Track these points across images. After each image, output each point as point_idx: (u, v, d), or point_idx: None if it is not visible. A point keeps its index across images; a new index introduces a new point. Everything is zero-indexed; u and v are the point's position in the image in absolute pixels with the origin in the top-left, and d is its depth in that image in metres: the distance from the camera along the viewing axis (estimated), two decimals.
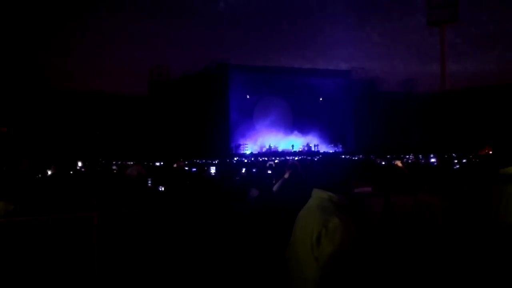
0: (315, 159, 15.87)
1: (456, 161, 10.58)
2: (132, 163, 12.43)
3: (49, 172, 8.95)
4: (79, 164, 12.27)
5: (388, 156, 18.71)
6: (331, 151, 28.09)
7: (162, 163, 12.44)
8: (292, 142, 28.55)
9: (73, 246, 3.26)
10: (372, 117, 27.36)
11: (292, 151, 27.48)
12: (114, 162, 15.68)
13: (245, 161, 19.94)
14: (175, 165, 9.15)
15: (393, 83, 31.27)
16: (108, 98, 26.57)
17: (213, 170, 6.77)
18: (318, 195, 2.09)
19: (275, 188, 5.29)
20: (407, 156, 19.68)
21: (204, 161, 16.74)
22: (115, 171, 10.33)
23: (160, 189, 5.44)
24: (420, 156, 18.59)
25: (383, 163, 12.24)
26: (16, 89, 24.38)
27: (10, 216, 3.27)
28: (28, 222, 3.22)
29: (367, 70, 30.44)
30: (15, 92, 24.09)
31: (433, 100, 29.61)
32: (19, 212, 3.59)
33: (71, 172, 10.22)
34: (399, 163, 8.82)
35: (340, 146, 28.79)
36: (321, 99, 30.18)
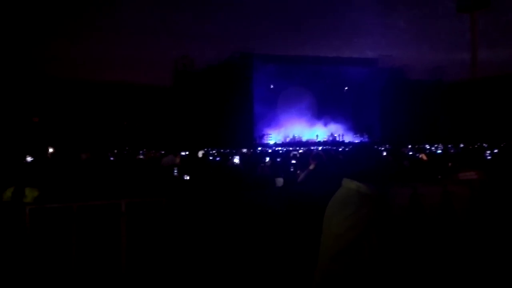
0: (340, 150, 15.68)
1: (488, 152, 10.23)
2: (163, 152, 12.64)
3: (82, 159, 9.22)
4: (107, 153, 12.58)
5: (416, 146, 18.31)
6: (356, 141, 27.72)
7: (187, 153, 12.59)
8: (317, 132, 28.30)
9: (101, 233, 3.35)
10: (399, 106, 26.76)
11: (317, 141, 27.26)
12: (140, 152, 15.98)
13: (269, 151, 19.92)
14: (200, 154, 9.24)
15: (421, 71, 30.40)
16: (135, 89, 27.02)
17: (236, 159, 6.80)
18: (346, 186, 2.06)
19: (300, 179, 5.25)
20: (435, 146, 19.20)
21: (228, 150, 16.82)
22: (141, 160, 10.52)
23: (186, 178, 5.51)
24: (449, 146, 18.10)
25: (410, 153, 11.99)
26: (46, 81, 25.09)
27: (38, 203, 3.38)
28: (58, 209, 3.32)
29: (394, 58, 29.68)
30: (45, 83, 24.82)
31: (462, 88, 28.66)
32: (51, 199, 3.71)
33: (100, 161, 10.47)
34: (424, 156, 8.66)
35: (366, 136, 28.34)
36: (346, 88, 29.73)
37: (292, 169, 6.31)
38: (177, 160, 8.31)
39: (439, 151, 13.94)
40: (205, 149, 16.26)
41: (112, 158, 11.58)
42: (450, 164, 5.92)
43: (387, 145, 19.21)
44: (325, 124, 28.92)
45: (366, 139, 27.99)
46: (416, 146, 18.31)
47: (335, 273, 1.81)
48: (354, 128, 28.93)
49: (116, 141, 23.23)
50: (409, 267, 2.60)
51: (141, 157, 11.84)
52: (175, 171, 6.24)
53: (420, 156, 8.50)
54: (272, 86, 27.89)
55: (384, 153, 9.57)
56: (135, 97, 26.68)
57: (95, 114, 25.85)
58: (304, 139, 27.74)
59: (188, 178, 5.47)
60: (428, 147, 18.46)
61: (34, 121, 24.24)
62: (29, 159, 8.79)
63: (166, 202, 3.63)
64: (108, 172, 6.45)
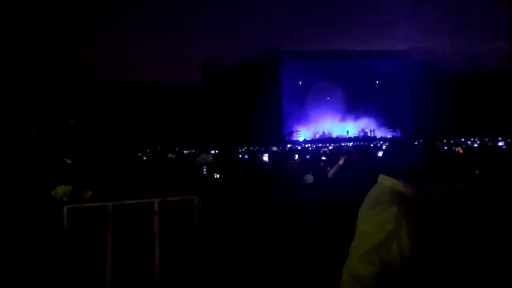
0: (372, 145, 15.41)
1: None
2: (197, 151, 12.83)
3: (112, 160, 9.50)
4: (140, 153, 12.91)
5: (451, 141, 17.72)
6: (388, 136, 27.12)
7: (216, 151, 12.74)
8: (347, 128, 27.91)
9: (135, 231, 3.45)
10: (433, 100, 25.95)
11: (347, 137, 26.88)
12: (172, 151, 16.30)
13: (298, 148, 19.83)
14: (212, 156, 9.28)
15: (456, 63, 29.34)
16: (166, 90, 27.56)
17: (265, 157, 6.75)
18: (381, 183, 2.00)
19: (330, 174, 5.21)
20: (472, 140, 18.51)
21: (257, 148, 16.88)
22: (173, 160, 10.73)
23: (215, 177, 5.57)
24: (487, 139, 17.39)
25: (445, 148, 11.62)
26: (81, 84, 26.00)
27: (76, 202, 3.52)
28: (95, 208, 3.45)
29: (427, 50, 28.78)
30: (80, 86, 25.72)
31: (500, 78, 27.44)
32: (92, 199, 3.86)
33: (134, 161, 10.77)
34: (460, 149, 8.37)
35: (398, 131, 27.67)
36: (377, 82, 29.12)
37: (321, 165, 6.25)
38: (210, 158, 8.38)
39: (475, 145, 13.44)
40: (234, 147, 16.38)
41: (145, 158, 11.87)
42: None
43: (421, 140, 18.69)
44: (356, 120, 28.46)
45: (399, 134, 27.34)
46: (452, 141, 17.72)
47: (362, 273, 1.76)
48: (386, 123, 28.31)
49: (149, 141, 23.79)
50: (445, 266, 2.53)
51: (171, 156, 12.09)
52: (205, 169, 6.31)
53: (457, 149, 8.23)
54: (300, 82, 27.72)
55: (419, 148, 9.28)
56: (166, 98, 27.22)
57: (128, 115, 26.56)
58: (334, 135, 27.43)
59: (218, 176, 5.52)
60: (464, 141, 17.82)
61: (70, 123, 25.18)
62: (68, 160, 9.14)
63: (197, 200, 3.69)
64: (141, 172, 6.61)
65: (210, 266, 3.60)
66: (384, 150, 2.34)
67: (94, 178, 5.20)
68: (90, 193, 4.02)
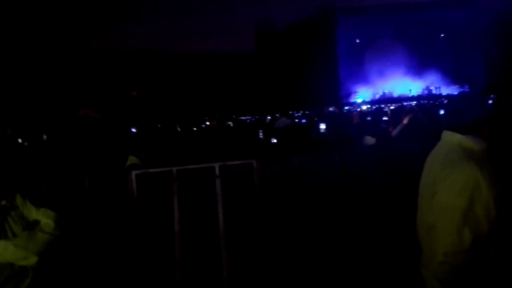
0: (437, 104, 14.53)
1: None
2: (278, 115, 12.88)
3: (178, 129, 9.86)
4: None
5: None
6: (455, 93, 25.38)
7: (270, 117, 12.73)
8: (410, 86, 26.39)
9: (198, 194, 3.57)
10: (506, 52, 23.67)
11: (410, 96, 25.51)
12: (232, 117, 16.56)
13: (358, 109, 19.22)
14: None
15: None
16: (220, 57, 27.75)
17: (323, 126, 6.42)
18: (447, 140, 1.85)
19: (394, 134, 4.99)
20: None
21: (314, 112, 16.62)
22: (231, 126, 10.90)
23: (273, 141, 5.57)
24: None
25: None
26: (141, 56, 26.90)
27: (143, 168, 3.70)
28: (161, 173, 3.59)
29: None
30: (140, 58, 26.64)
31: None
32: (155, 164, 4.04)
33: (194, 129, 11.09)
34: None
35: (467, 86, 25.73)
36: (442, 35, 27.03)
37: (384, 126, 6.00)
38: (289, 121, 8.30)
39: None
40: (291, 112, 16.24)
41: (203, 126, 12.17)
42: None
43: (493, 95, 17.28)
44: (420, 77, 26.80)
45: (467, 90, 25.48)
46: None
47: (455, 249, 1.63)
48: (453, 79, 26.39)
49: (206, 109, 24.33)
50: None
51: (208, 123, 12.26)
52: (261, 134, 6.33)
53: None
54: (358, 41, 26.48)
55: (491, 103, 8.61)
56: (221, 65, 27.45)
57: (185, 84, 27.23)
58: (395, 94, 26.15)
59: (275, 141, 5.52)
60: None
61: (132, 95, 26.37)
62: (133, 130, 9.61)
63: (256, 164, 3.72)
64: (200, 138, 6.79)
65: (270, 229, 3.66)
66: (446, 105, 2.16)
67: (160, 146, 5.43)
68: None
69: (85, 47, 26.55)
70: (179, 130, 10.85)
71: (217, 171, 3.58)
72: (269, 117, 14.41)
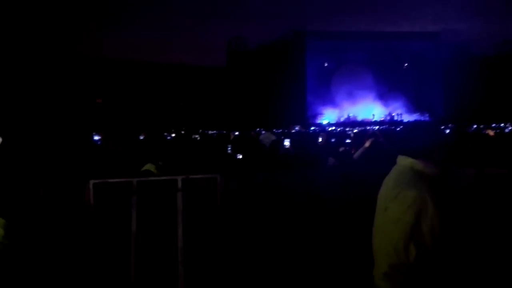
0: (398, 129, 15.09)
1: None
2: (221, 132, 12.86)
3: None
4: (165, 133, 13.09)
5: (481, 126, 17.15)
6: (415, 120, 26.45)
7: (238, 133, 12.78)
8: (374, 111, 27.32)
9: (158, 207, 3.50)
10: (464, 83, 25.05)
11: (373, 120, 26.36)
12: (199, 132, 16.46)
13: (323, 131, 19.62)
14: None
15: (489, 46, 28.14)
16: (190, 70, 27.67)
17: (287, 142, 6.48)
18: (400, 163, 1.99)
19: (355, 156, 5.13)
20: (504, 125, 17.85)
21: (280, 130, 16.82)
22: (197, 140, 10.82)
23: (238, 157, 5.58)
24: None
25: (476, 132, 11.25)
26: (108, 63, 26.39)
27: (102, 178, 3.59)
28: (120, 184, 3.51)
29: (459, 32, 27.69)
30: (107, 66, 26.12)
31: None
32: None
33: (158, 141, 10.92)
34: (490, 131, 8.09)
35: (427, 115, 26.90)
36: (406, 64, 28.26)
37: (343, 148, 6.15)
38: (273, 137, 8.26)
39: (507, 130, 12.96)
40: (257, 129, 16.36)
41: (169, 138, 12.02)
42: None
43: (451, 125, 18.17)
44: (383, 103, 27.82)
45: (427, 118, 26.64)
46: (481, 126, 17.15)
47: (401, 262, 1.72)
48: (415, 106, 27.55)
49: (173, 121, 24.07)
50: (472, 254, 2.44)
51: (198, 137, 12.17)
52: (229, 148, 6.33)
53: (487, 132, 7.98)
54: (326, 64, 27.23)
55: (446, 132, 9.06)
56: (191, 78, 27.36)
57: (154, 95, 26.89)
58: (359, 118, 26.94)
59: (240, 157, 5.53)
60: (495, 126, 17.22)
61: (98, 102, 25.72)
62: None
63: (220, 179, 3.71)
64: (165, 151, 6.69)
65: (230, 244, 3.63)
66: (402, 131, 2.31)
67: (123, 156, 5.31)
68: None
69: (55, 53, 25.72)
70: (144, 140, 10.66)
71: (179, 185, 3.53)
72: (236, 133, 14.43)
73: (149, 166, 4.28)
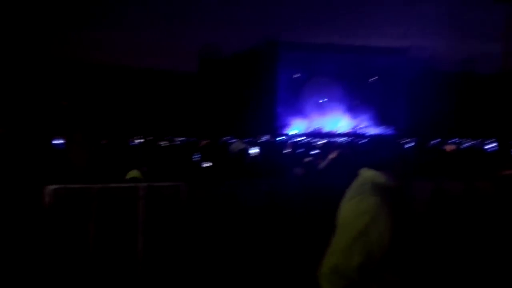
0: (363, 142, 15.46)
1: None
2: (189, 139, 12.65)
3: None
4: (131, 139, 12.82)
5: (442, 140, 17.82)
6: (379, 133, 27.18)
7: (208, 140, 12.69)
8: (341, 123, 27.88)
9: (119, 216, 3.41)
10: (427, 99, 26.01)
11: (337, 132, 26.85)
12: (164, 138, 16.18)
13: (291, 141, 19.81)
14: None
15: (452, 63, 29.48)
16: (159, 75, 27.31)
17: (254, 151, 6.47)
18: (363, 175, 2.04)
19: (320, 166, 5.21)
20: (464, 140, 18.63)
21: (250, 139, 16.85)
22: (163, 146, 10.67)
23: (204, 165, 5.55)
24: (479, 141, 17.52)
25: (436, 146, 11.68)
26: (75, 65, 25.67)
27: (63, 183, 3.47)
28: (80, 190, 3.40)
29: (425, 48, 28.89)
30: (74, 68, 25.40)
31: (494, 81, 27.61)
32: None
33: (122, 146, 10.68)
34: (449, 147, 8.46)
35: (392, 128, 27.68)
36: (374, 78, 29.05)
37: (309, 159, 6.24)
38: (243, 145, 8.17)
39: (466, 145, 13.55)
40: (226, 137, 16.32)
41: (132, 144, 11.79)
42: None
43: (413, 138, 18.78)
44: (351, 115, 28.42)
45: (392, 132, 27.41)
46: (442, 140, 17.83)
47: (341, 265, 1.76)
48: (380, 119, 28.32)
49: (140, 127, 23.60)
50: (426, 263, 2.53)
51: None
52: (198, 156, 6.28)
53: (446, 147, 8.33)
54: (297, 75, 27.55)
55: (408, 146, 9.36)
56: (160, 84, 26.99)
57: (121, 99, 26.32)
58: (325, 130, 27.37)
59: (207, 165, 5.50)
60: (456, 141, 17.95)
61: (63, 104, 24.91)
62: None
63: (184, 187, 3.67)
64: (128, 157, 6.56)
65: (194, 253, 3.59)
66: (365, 145, 2.38)
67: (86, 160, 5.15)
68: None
69: (23, 53, 24.73)
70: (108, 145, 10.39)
71: (141, 192, 3.46)
72: (205, 141, 14.31)
73: (134, 173, 4.19)
